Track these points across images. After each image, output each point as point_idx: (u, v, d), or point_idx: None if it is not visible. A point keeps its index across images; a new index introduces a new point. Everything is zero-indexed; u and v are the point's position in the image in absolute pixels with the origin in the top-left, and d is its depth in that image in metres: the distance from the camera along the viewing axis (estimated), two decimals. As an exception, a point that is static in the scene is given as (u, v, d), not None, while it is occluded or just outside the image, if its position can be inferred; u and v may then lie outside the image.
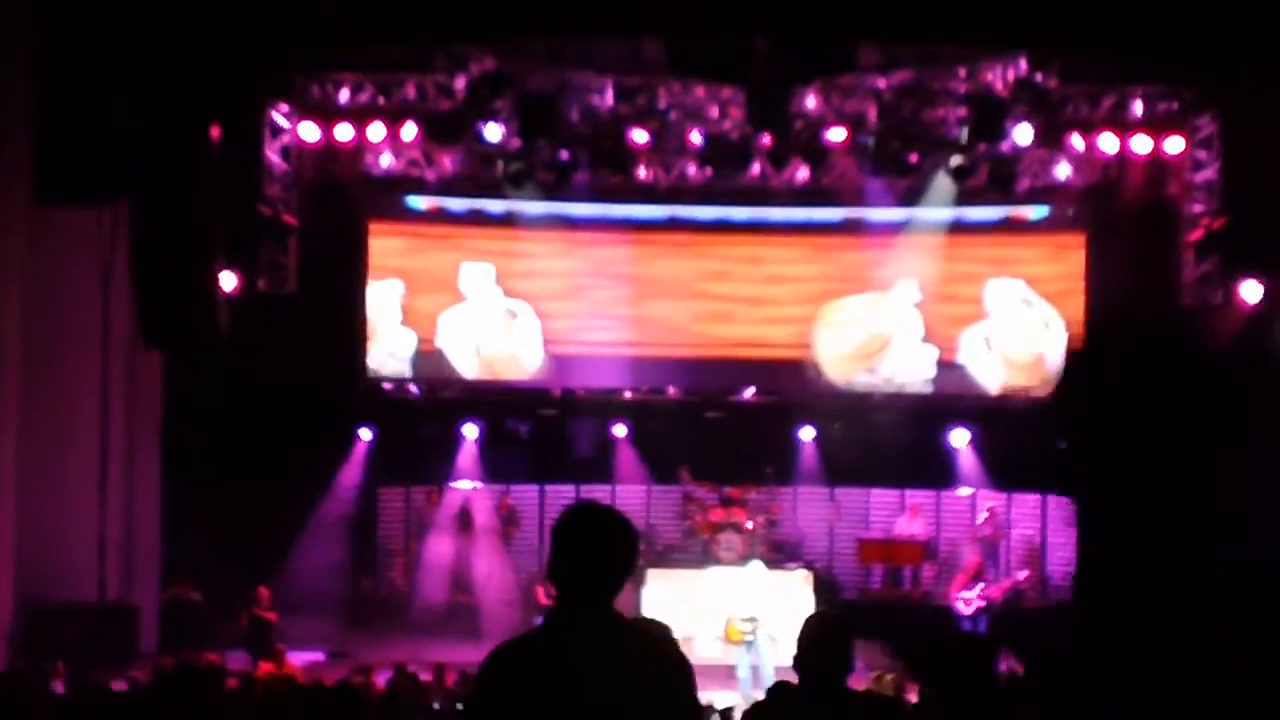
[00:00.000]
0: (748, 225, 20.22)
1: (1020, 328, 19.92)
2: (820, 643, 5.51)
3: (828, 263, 20.21)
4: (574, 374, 20.19)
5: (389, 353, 19.72)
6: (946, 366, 19.94)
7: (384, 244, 19.44)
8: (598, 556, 4.59)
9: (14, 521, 13.66)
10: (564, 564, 4.59)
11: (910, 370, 20.07)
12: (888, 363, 20.12)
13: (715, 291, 20.14)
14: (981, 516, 19.51)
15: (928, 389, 20.09)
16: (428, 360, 19.76)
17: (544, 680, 4.44)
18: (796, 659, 5.51)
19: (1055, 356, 19.66)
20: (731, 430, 20.25)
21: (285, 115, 18.34)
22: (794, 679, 5.56)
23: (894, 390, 20.12)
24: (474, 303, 19.81)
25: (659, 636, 4.58)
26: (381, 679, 12.83)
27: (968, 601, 16.71)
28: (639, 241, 20.03)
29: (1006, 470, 19.70)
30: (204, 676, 9.35)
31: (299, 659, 14.60)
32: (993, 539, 19.10)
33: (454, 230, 19.66)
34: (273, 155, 18.32)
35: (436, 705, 11.73)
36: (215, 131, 13.94)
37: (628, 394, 20.38)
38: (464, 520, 19.61)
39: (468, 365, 19.94)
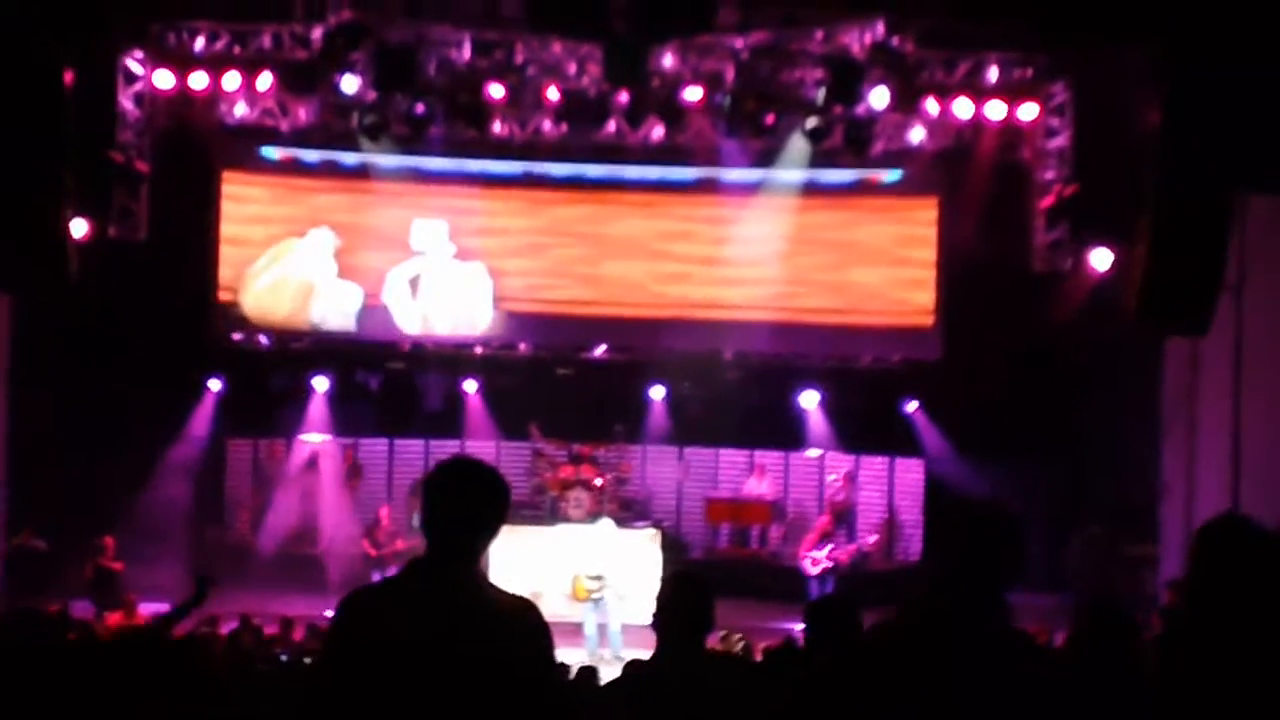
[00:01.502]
0: (602, 182, 20.41)
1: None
2: (681, 601, 5.66)
3: (675, 220, 20.50)
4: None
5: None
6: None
7: (241, 192, 19.51)
8: (470, 511, 4.68)
9: None
10: (435, 515, 4.67)
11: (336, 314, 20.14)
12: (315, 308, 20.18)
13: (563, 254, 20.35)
14: (831, 478, 19.87)
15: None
16: (371, 315, 19.87)
17: (391, 628, 4.51)
18: (656, 617, 5.63)
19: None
20: (582, 387, 20.44)
21: (139, 62, 18.25)
22: (649, 637, 5.71)
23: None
24: (424, 259, 19.94)
25: (520, 601, 4.67)
26: (226, 630, 12.92)
27: (815, 561, 17.10)
28: (491, 196, 20.19)
29: (855, 433, 20.10)
30: (48, 623, 9.34)
31: (146, 609, 14.64)
32: (845, 503, 19.46)
33: (311, 182, 19.71)
34: (126, 102, 18.26)
35: (284, 658, 11.82)
36: (68, 77, 13.84)
37: (478, 349, 20.49)
38: (311, 472, 19.74)
39: (412, 321, 20.05)
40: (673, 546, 17.95)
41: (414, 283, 20.01)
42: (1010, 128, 19.24)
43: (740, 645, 11.33)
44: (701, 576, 5.87)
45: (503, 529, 4.72)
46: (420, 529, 4.73)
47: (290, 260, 19.79)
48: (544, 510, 18.30)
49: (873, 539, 18.86)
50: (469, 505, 4.68)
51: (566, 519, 17.53)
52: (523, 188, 20.30)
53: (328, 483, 19.67)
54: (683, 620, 5.63)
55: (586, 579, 15.65)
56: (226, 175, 19.28)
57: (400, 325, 20.05)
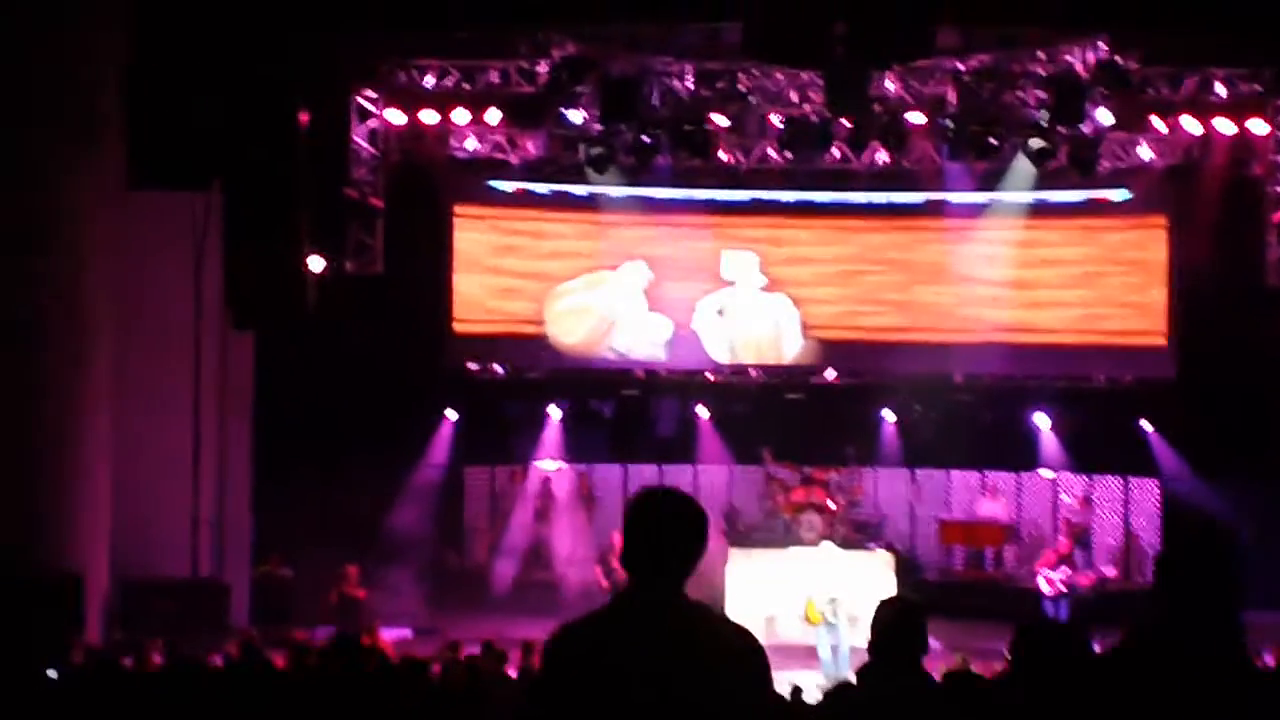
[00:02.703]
0: (829, 208, 20.30)
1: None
2: (895, 625, 5.55)
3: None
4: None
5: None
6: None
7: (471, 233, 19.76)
8: (666, 539, 4.60)
9: (110, 498, 13.82)
10: (633, 546, 4.61)
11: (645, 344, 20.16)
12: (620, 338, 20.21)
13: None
14: (1067, 500, 19.43)
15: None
16: (679, 344, 20.13)
17: (603, 660, 4.45)
18: (871, 642, 5.53)
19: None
20: (813, 411, 20.26)
21: (371, 100, 18.45)
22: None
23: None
24: (733, 289, 20.10)
25: (733, 626, 4.58)
26: (466, 655, 12.92)
27: (1050, 581, 16.69)
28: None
29: (1089, 453, 19.63)
30: (355, 649, 9.40)
31: (388, 635, 14.74)
32: (1082, 525, 18.98)
33: (544, 213, 19.88)
34: (359, 139, 18.44)
35: (520, 684, 11.79)
36: (304, 117, 14.02)
37: (709, 375, 20.44)
38: (546, 499, 19.81)
39: (721, 350, 20.23)
40: (906, 569, 17.66)
41: (722, 312, 20.10)
42: (1240, 143, 18.71)
43: (962, 664, 11.04)
44: (915, 600, 5.72)
45: (737, 552, 4.65)
46: (624, 559, 4.66)
47: (599, 290, 20.08)
48: (777, 534, 18.08)
49: (1112, 572, 18.36)
50: (665, 533, 4.61)
51: (799, 542, 17.30)
52: (750, 215, 20.20)
53: (562, 509, 19.69)
54: (900, 643, 5.49)
55: (820, 602, 15.42)
56: (458, 208, 19.45)
57: (710, 354, 20.18)
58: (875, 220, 20.33)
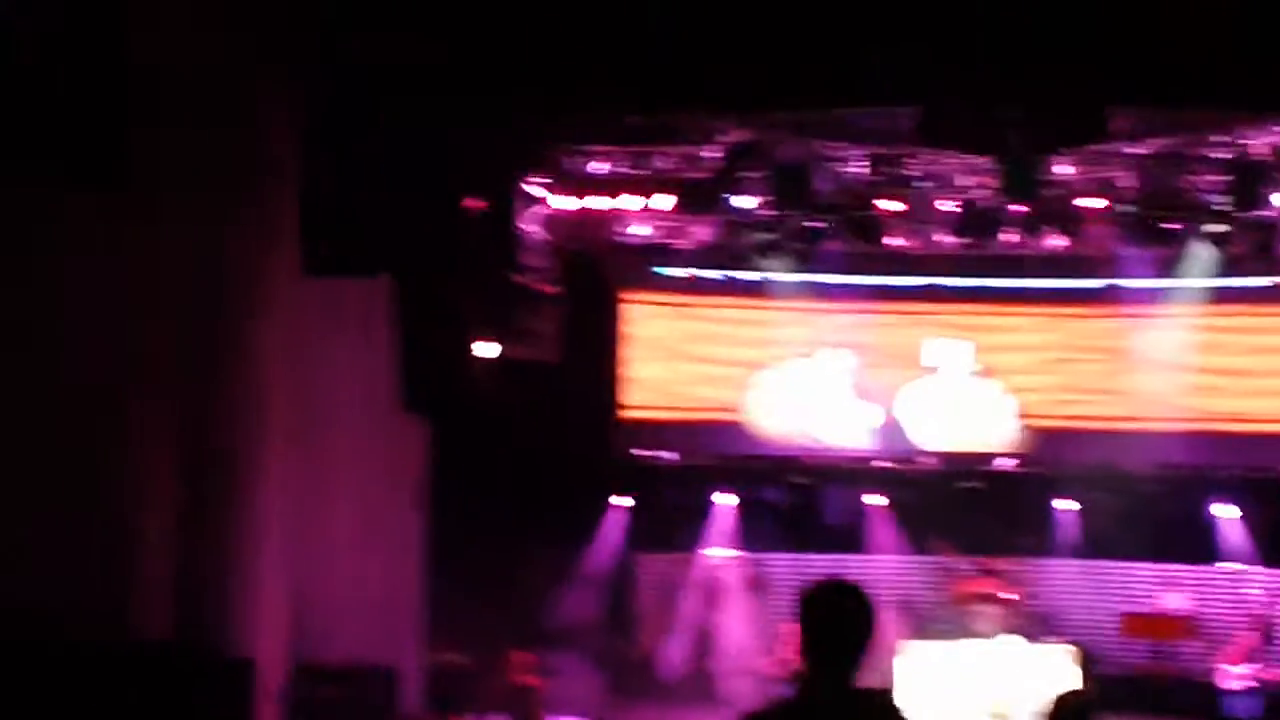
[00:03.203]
0: (1003, 293, 20.00)
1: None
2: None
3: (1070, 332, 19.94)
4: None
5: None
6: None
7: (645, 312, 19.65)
8: (840, 631, 4.75)
9: (284, 584, 13.80)
10: (809, 638, 4.75)
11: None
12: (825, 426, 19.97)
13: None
14: (1256, 593, 18.83)
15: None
16: (886, 432, 20.02)
17: None
18: None
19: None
20: (988, 500, 19.88)
21: (540, 186, 18.50)
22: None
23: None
24: (940, 375, 19.98)
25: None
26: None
27: (1238, 678, 16.12)
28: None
29: (1276, 545, 19.05)
30: None
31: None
32: (1271, 619, 18.32)
33: (717, 300, 19.76)
34: (528, 226, 18.44)
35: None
36: (472, 204, 14.03)
37: (881, 462, 20.16)
38: (716, 587, 19.62)
39: (930, 438, 20.08)
40: (1086, 663, 17.15)
41: (930, 400, 19.85)
42: None
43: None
44: (1092, 694, 5.63)
45: (908, 643, 4.60)
46: (801, 651, 4.80)
47: (800, 377, 19.98)
48: (951, 625, 17.71)
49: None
50: (844, 625, 4.76)
51: (974, 634, 16.91)
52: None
53: (732, 598, 19.47)
54: None
55: (998, 696, 15.00)
56: (627, 294, 19.42)
57: (916, 442, 19.96)
58: (1065, 306, 20.00)
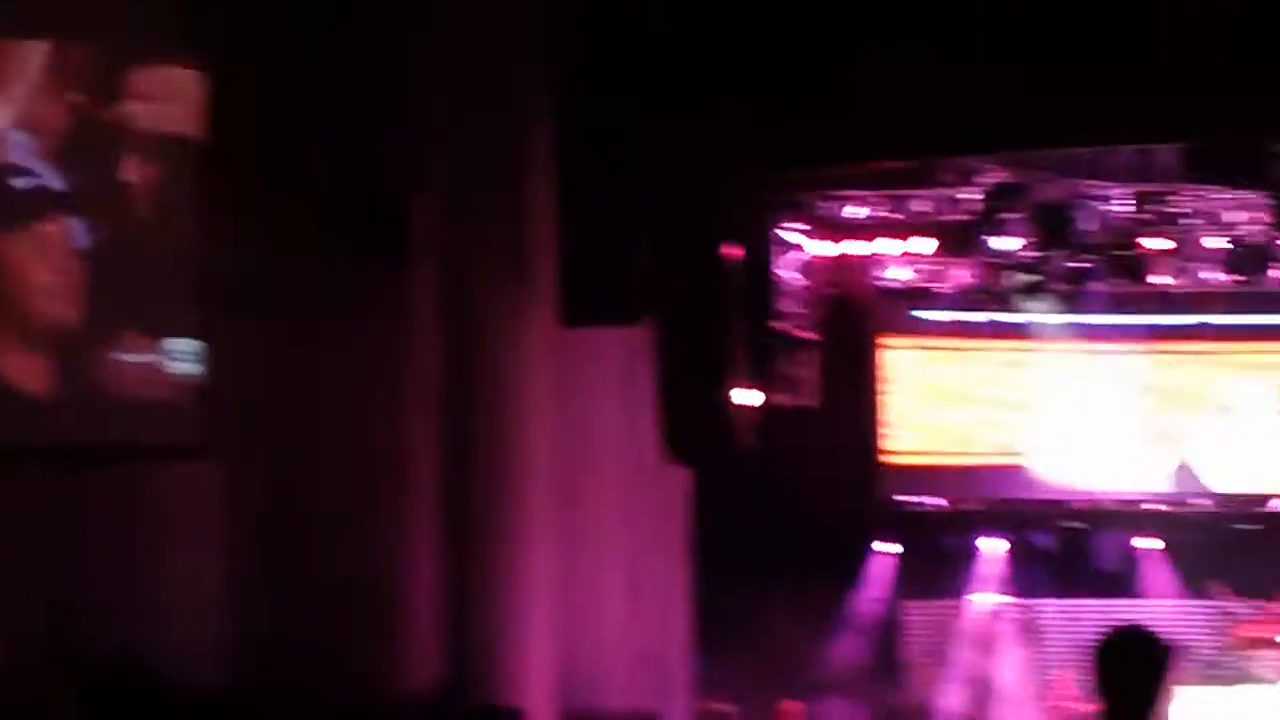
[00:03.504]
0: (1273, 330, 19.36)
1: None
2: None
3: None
4: None
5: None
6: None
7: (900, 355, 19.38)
8: (1139, 679, 4.73)
9: (552, 633, 13.83)
10: (1106, 685, 4.75)
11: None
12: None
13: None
14: None
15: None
16: (1182, 476, 19.62)
17: None
18: None
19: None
20: (1266, 541, 19.23)
21: (797, 232, 18.42)
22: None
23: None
24: (1238, 416, 19.60)
25: None
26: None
27: None
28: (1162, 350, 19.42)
29: None
30: None
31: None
32: None
33: (980, 343, 19.43)
34: (786, 272, 18.42)
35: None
36: (731, 251, 13.97)
37: (1153, 505, 19.61)
38: (986, 634, 19.24)
39: (1232, 481, 19.64)
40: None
41: (1230, 441, 19.46)
42: None
43: None
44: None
45: (1185, 689, 4.40)
46: (1098, 698, 4.78)
47: (1071, 421, 19.61)
48: (1229, 670, 17.14)
49: None
50: (1143, 672, 4.75)
51: (1254, 680, 16.35)
52: (1192, 339, 19.44)
53: (1003, 644, 19.09)
54: None
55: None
56: (887, 339, 19.21)
57: (1212, 485, 19.53)
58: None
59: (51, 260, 12.15)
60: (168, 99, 12.53)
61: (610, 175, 12.93)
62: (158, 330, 12.66)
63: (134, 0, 12.64)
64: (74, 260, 12.30)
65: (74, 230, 12.29)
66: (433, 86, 13.07)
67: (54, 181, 12.14)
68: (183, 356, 12.74)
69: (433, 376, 13.20)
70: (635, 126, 12.97)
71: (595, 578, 14.82)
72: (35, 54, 12.18)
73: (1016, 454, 19.50)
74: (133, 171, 12.49)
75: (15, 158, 12.02)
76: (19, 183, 12.03)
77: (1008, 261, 18.33)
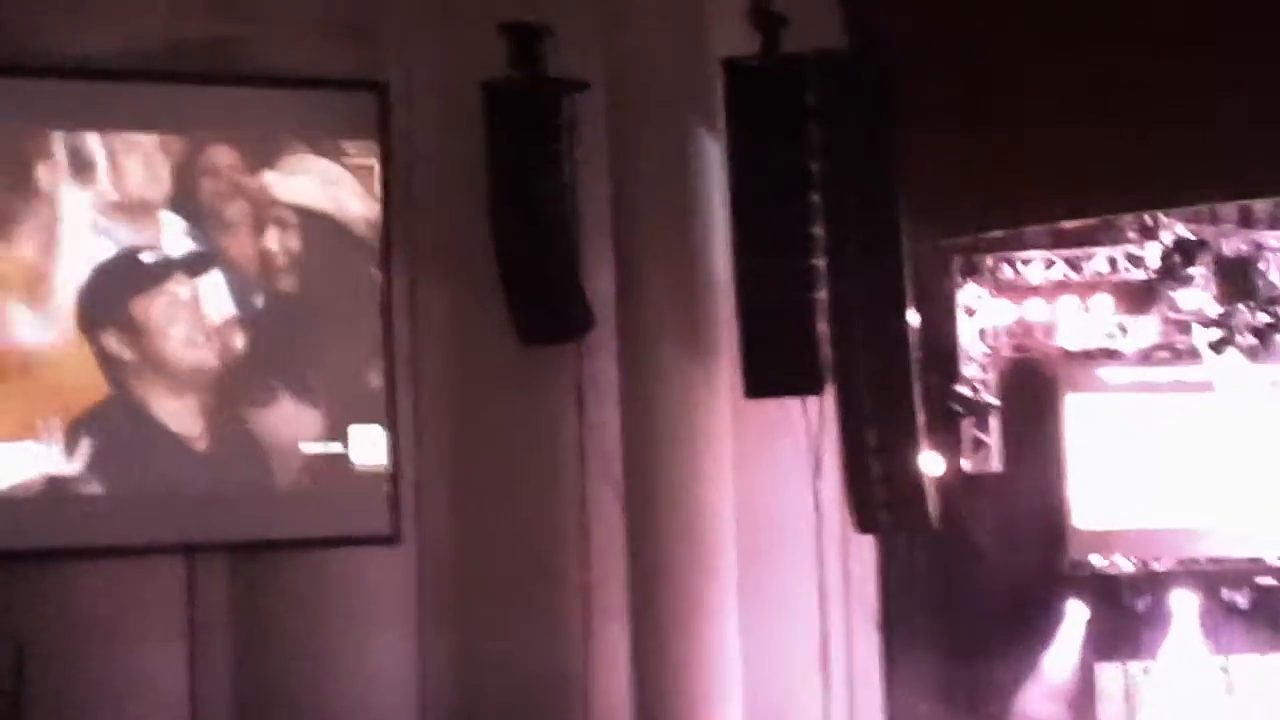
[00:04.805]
0: None
1: None
2: None
3: None
4: None
5: None
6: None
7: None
8: None
9: (742, 708, 13.43)
10: None
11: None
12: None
13: None
14: None
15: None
16: None
17: None
18: None
19: None
20: None
21: (977, 296, 17.88)
22: None
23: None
24: None
25: None
26: None
27: None
28: None
29: None
30: None
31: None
32: None
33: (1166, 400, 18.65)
34: (968, 336, 17.86)
35: None
36: (911, 317, 13.44)
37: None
38: (1181, 694, 18.42)
39: None
40: None
41: None
42: None
43: None
44: None
45: None
46: None
47: (1263, 478, 18.56)
48: None
49: None
50: None
51: None
52: None
53: (1199, 704, 18.29)
54: None
55: None
56: (1071, 400, 18.54)
57: None
58: None
59: (196, 327, 12.04)
60: (312, 177, 12.51)
61: (788, 244, 12.52)
62: (344, 418, 12.47)
63: (305, 92, 12.53)
64: (228, 328, 12.22)
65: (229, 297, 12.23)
66: (607, 163, 12.91)
67: (203, 246, 12.14)
68: (369, 444, 12.54)
69: (615, 453, 13.02)
70: (812, 194, 12.56)
71: (783, 649, 14.31)
72: (192, 141, 12.18)
73: (1206, 512, 18.66)
74: (274, 242, 12.31)
75: (170, 230, 12.02)
76: (171, 251, 12.04)
77: (1191, 318, 17.58)
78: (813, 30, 12.67)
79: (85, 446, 11.51)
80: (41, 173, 11.70)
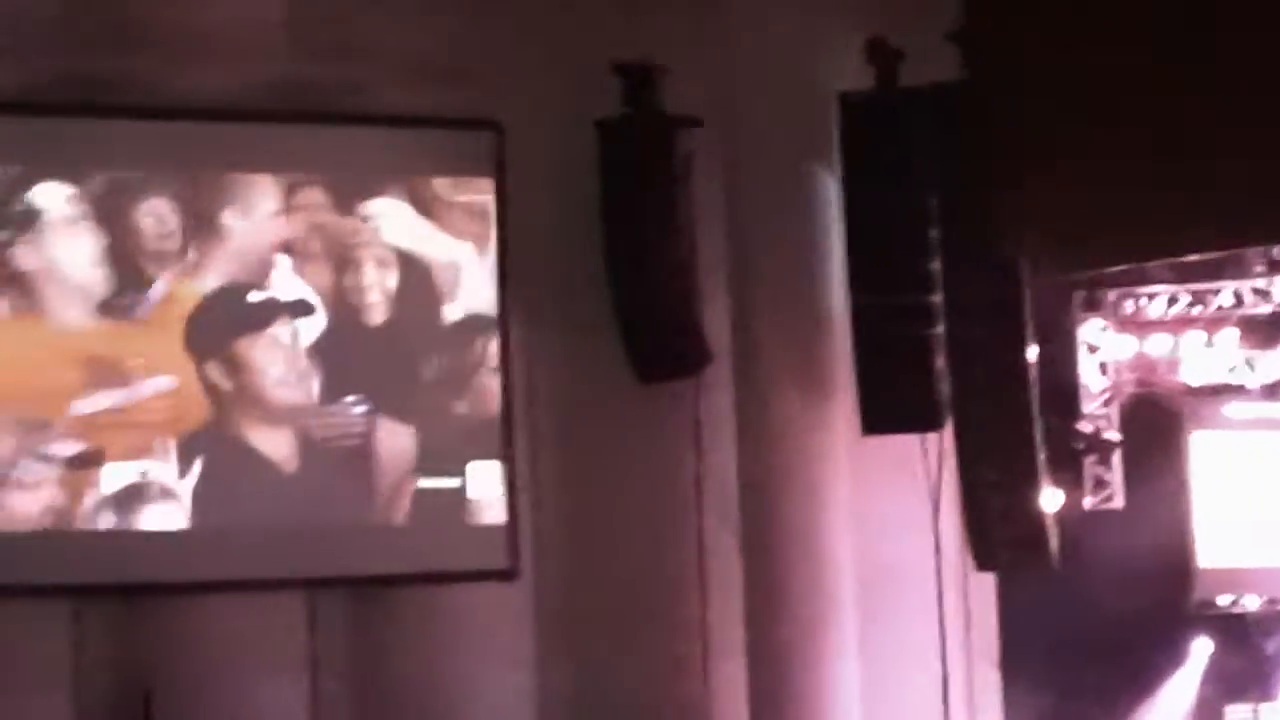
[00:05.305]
0: None
1: None
2: None
3: None
4: None
5: None
6: None
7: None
8: None
9: None
10: None
11: None
12: None
13: None
14: None
15: None
16: None
17: None
18: None
19: None
20: None
21: (1099, 331, 17.50)
22: None
23: None
24: None
25: None
26: None
27: None
28: None
29: None
30: None
31: None
32: None
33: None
34: (1089, 371, 17.44)
35: None
36: (1031, 352, 13.18)
37: None
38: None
39: None
40: None
41: None
42: None
43: None
44: None
45: None
46: None
47: None
48: None
49: None
50: None
51: None
52: None
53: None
54: None
55: None
56: (1195, 436, 18.09)
57: None
58: None
59: (288, 363, 12.06)
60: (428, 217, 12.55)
61: (906, 279, 12.32)
62: (462, 454, 12.40)
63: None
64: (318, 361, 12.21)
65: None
66: (721, 199, 12.80)
67: (299, 290, 12.12)
68: (486, 480, 12.46)
69: (730, 491, 12.86)
70: (929, 228, 12.36)
71: (902, 688, 14.03)
72: (307, 181, 12.28)
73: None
74: (387, 280, 12.36)
75: (274, 273, 12.07)
76: (271, 291, 12.09)
77: (1318, 351, 17.16)
78: (928, 64, 12.49)
79: (197, 468, 11.46)
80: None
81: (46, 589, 11.13)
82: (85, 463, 11.36)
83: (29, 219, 11.42)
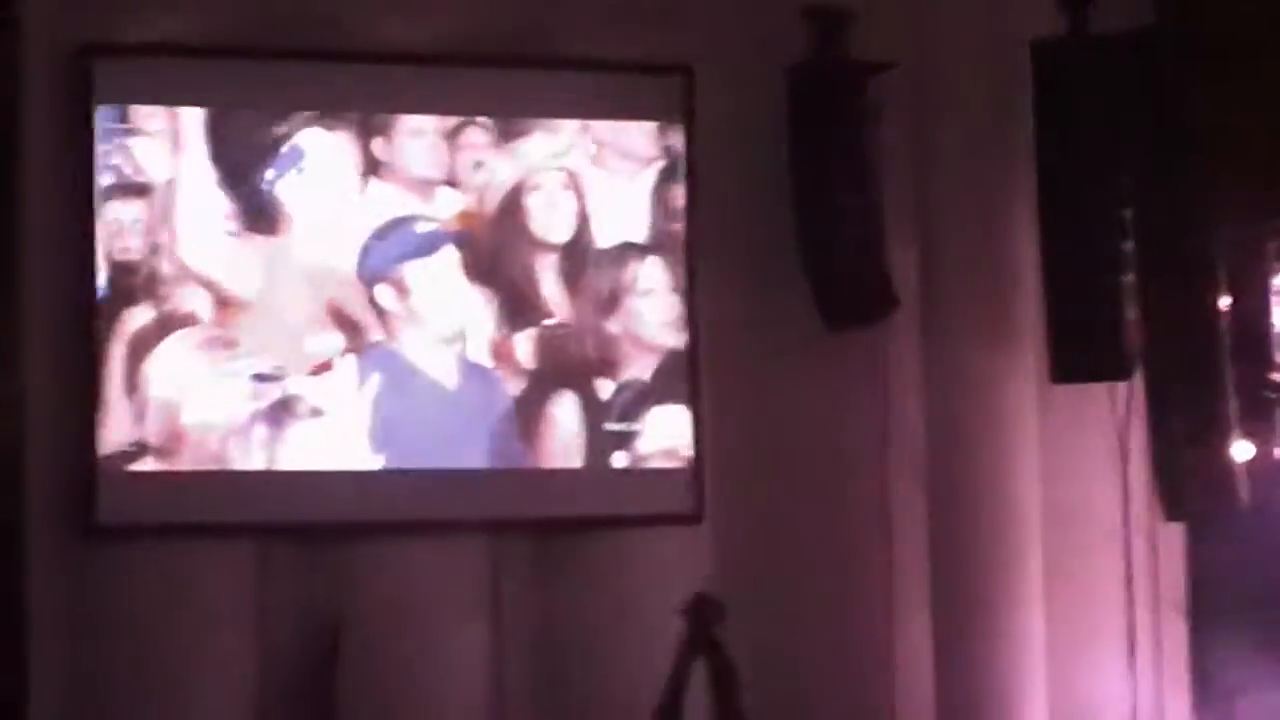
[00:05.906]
0: None
1: None
2: None
3: None
4: None
5: None
6: None
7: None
8: None
9: (1045, 701, 12.99)
10: None
11: None
12: None
13: None
14: None
15: None
16: None
17: None
18: None
19: None
20: None
21: (1294, 279, 16.99)
22: None
23: None
24: None
25: None
26: None
27: None
28: None
29: None
30: None
31: None
32: None
33: None
34: (1280, 321, 16.95)
35: None
36: (1224, 302, 12.82)
37: None
38: None
39: None
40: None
41: None
42: None
43: None
44: None
45: None
46: None
47: None
48: None
49: None
50: None
51: None
52: None
53: None
54: None
55: None
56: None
57: None
58: None
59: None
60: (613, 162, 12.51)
61: (1097, 227, 12.03)
62: (645, 397, 12.30)
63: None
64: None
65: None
66: (910, 145, 12.74)
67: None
68: (671, 424, 12.39)
69: (917, 439, 12.70)
70: (1122, 176, 12.06)
71: (1089, 642, 13.79)
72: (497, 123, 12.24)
73: None
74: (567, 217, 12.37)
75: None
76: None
77: None
78: (1121, 9, 12.17)
79: (373, 384, 11.43)
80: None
81: (230, 527, 11.17)
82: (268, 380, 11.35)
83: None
